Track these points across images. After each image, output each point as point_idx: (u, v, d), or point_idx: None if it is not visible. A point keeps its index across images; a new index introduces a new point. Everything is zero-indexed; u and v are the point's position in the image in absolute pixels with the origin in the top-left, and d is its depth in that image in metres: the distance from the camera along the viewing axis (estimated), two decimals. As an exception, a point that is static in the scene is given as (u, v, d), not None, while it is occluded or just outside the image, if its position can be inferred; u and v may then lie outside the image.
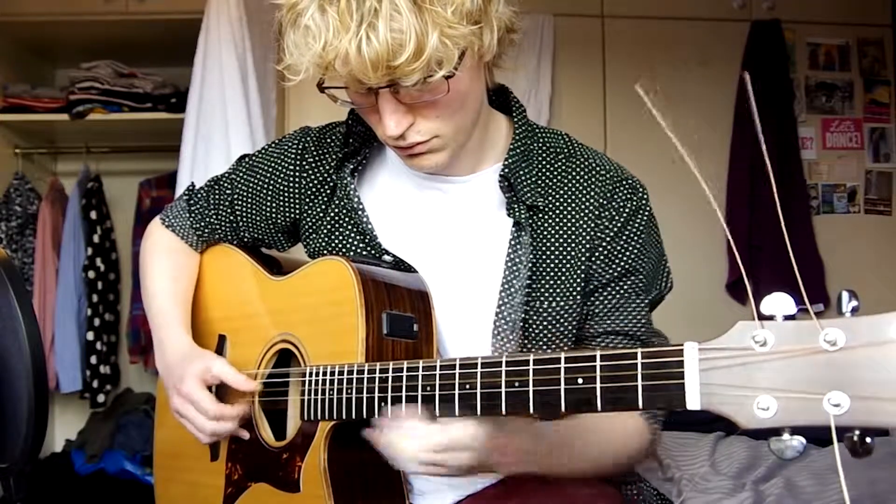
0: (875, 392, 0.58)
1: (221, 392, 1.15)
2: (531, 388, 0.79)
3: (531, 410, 0.79)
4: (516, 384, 0.81)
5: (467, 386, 0.85)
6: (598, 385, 0.74)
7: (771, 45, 3.20)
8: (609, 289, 1.09)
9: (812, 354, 0.60)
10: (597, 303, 1.10)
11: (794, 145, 3.21)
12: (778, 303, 0.63)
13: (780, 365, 0.62)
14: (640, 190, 1.12)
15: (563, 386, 0.77)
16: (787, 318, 0.63)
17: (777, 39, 3.21)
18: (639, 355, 0.71)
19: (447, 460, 0.88)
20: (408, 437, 0.88)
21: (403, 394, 0.90)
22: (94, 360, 3.13)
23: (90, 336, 3.13)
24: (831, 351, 0.60)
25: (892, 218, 3.28)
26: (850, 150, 3.29)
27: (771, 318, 0.63)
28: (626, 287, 1.10)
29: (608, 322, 1.09)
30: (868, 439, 0.60)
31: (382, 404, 0.93)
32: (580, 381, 0.75)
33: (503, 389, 0.82)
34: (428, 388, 0.88)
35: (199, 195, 1.30)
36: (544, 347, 1.08)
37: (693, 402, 0.66)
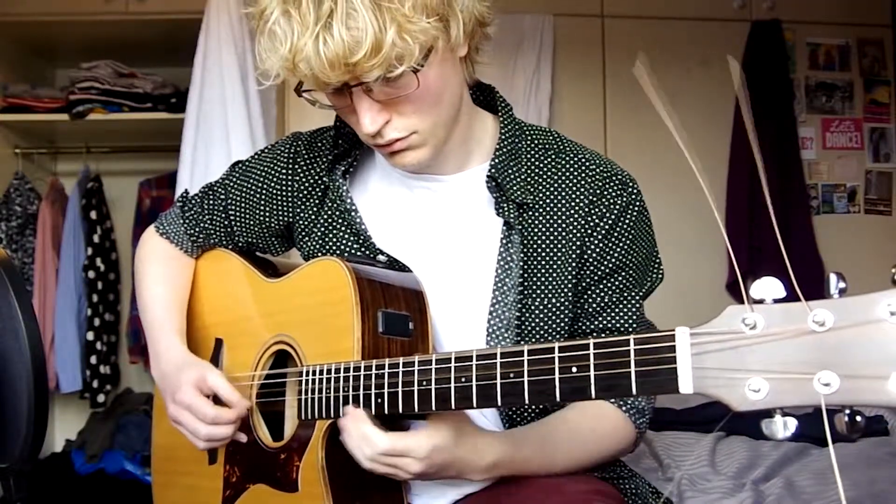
0: (864, 371, 0.59)
1: (215, 402, 1.15)
2: (526, 379, 0.80)
3: (526, 401, 0.80)
4: (511, 375, 0.81)
5: (463, 379, 0.85)
6: (592, 373, 0.75)
7: (771, 45, 3.20)
8: (601, 285, 1.10)
9: (801, 335, 0.61)
10: (589, 300, 1.10)
11: (794, 145, 3.21)
12: (767, 286, 0.64)
13: (770, 347, 0.63)
14: (631, 185, 1.12)
15: (557, 375, 0.77)
16: (777, 301, 0.63)
17: (777, 39, 3.21)
18: (631, 342, 0.72)
19: (397, 464, 0.93)
20: (359, 441, 0.94)
21: (400, 390, 0.91)
22: (94, 360, 3.14)
23: (90, 336, 3.14)
24: (820, 331, 0.61)
25: (892, 218, 3.28)
26: (850, 150, 3.29)
27: (761, 301, 0.64)
28: (617, 283, 1.10)
29: (601, 319, 1.10)
30: (858, 418, 0.61)
31: (356, 404, 0.96)
32: (574, 369, 0.76)
33: (498, 381, 0.82)
34: (424, 383, 0.89)
35: (193, 201, 1.30)
36: None
37: (685, 386, 0.67)
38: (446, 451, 0.93)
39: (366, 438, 0.93)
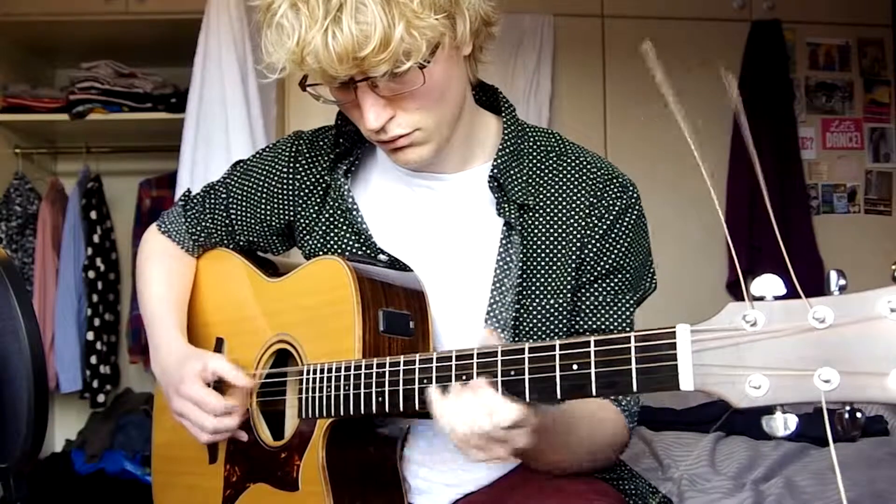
0: (864, 367, 0.59)
1: (220, 392, 1.15)
2: (527, 377, 0.80)
3: (527, 398, 0.80)
4: (512, 373, 0.81)
5: (464, 377, 0.85)
6: (593, 370, 0.75)
7: (771, 45, 3.20)
8: (595, 285, 1.10)
9: (802, 332, 0.61)
10: (584, 299, 1.10)
11: (794, 145, 3.21)
12: (767, 283, 0.64)
13: (770, 344, 0.63)
14: (631, 189, 1.12)
15: (558, 373, 0.77)
16: (777, 298, 0.63)
17: (777, 39, 3.21)
18: (632, 339, 0.72)
19: (509, 437, 0.82)
20: (479, 413, 0.81)
21: (400, 388, 0.91)
22: (94, 360, 3.13)
23: (90, 336, 3.13)
24: (820, 328, 0.61)
25: (892, 218, 3.28)
26: (850, 150, 3.29)
27: (761, 298, 0.64)
28: (613, 285, 1.10)
29: (594, 319, 1.10)
30: (858, 415, 0.61)
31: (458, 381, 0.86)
32: (575, 367, 0.76)
33: (499, 379, 0.82)
34: (425, 381, 0.89)
35: (194, 200, 1.30)
36: None
37: (686, 383, 0.67)
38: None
39: (491, 409, 0.81)
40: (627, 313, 1.11)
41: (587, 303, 1.10)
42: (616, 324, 1.10)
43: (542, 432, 0.87)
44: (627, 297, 1.11)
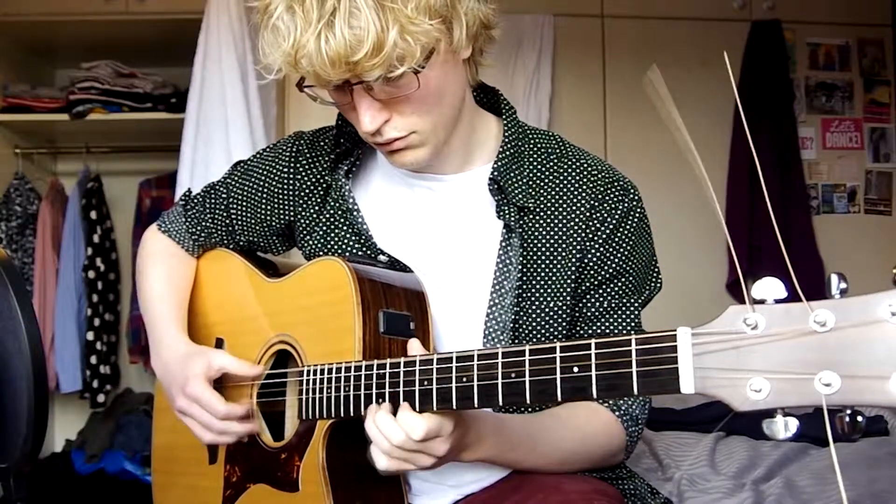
0: (865, 371, 0.59)
1: (220, 393, 1.15)
2: (528, 379, 0.80)
3: (528, 400, 0.80)
4: (513, 375, 0.81)
5: (464, 379, 0.85)
6: (594, 373, 0.75)
7: (771, 45, 3.20)
8: (600, 291, 1.10)
9: (803, 336, 0.61)
10: (588, 305, 1.10)
11: (794, 145, 3.21)
12: (768, 287, 0.64)
13: (771, 347, 0.63)
14: (632, 191, 1.12)
15: (558, 375, 0.77)
16: (778, 301, 0.63)
17: (777, 39, 3.21)
18: (633, 342, 0.72)
19: (426, 448, 0.89)
20: (392, 427, 0.89)
21: (401, 389, 0.91)
22: (94, 360, 3.13)
23: (90, 336, 3.13)
24: (821, 332, 0.61)
25: (892, 218, 3.28)
26: (850, 150, 3.29)
27: (762, 301, 0.64)
28: (616, 289, 1.10)
29: (599, 324, 1.10)
30: (859, 418, 0.61)
31: (381, 400, 0.94)
32: (576, 369, 0.76)
33: (500, 381, 0.82)
34: (425, 383, 0.89)
35: (195, 200, 1.30)
36: None
37: (687, 386, 0.67)
38: (462, 430, 0.92)
39: (400, 424, 0.88)
40: (633, 317, 1.11)
41: (593, 308, 1.10)
42: (622, 328, 1.10)
43: (477, 439, 0.94)
44: (633, 301, 1.11)
